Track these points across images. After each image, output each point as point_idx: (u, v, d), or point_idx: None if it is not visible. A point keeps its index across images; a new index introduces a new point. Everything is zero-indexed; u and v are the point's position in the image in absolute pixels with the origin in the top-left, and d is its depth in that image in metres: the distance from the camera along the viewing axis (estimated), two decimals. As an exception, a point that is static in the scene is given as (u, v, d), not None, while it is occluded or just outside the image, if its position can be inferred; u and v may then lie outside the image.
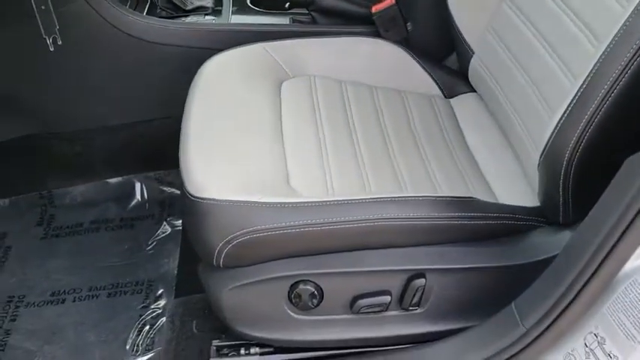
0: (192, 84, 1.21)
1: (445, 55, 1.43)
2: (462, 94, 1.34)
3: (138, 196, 1.56)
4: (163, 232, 1.50)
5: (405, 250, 0.96)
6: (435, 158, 1.14)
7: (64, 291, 1.38)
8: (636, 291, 0.73)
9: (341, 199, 0.95)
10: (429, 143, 1.18)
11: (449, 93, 1.34)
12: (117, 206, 1.55)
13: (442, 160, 1.14)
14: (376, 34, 1.40)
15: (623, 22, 0.84)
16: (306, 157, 1.07)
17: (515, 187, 1.08)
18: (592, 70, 0.86)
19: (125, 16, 1.33)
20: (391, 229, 0.94)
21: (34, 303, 1.36)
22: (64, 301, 1.36)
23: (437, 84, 1.34)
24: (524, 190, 1.06)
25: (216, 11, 1.53)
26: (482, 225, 0.97)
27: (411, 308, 0.97)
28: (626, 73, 0.82)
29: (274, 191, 0.95)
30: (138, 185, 1.56)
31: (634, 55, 0.81)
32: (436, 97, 1.33)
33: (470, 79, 1.31)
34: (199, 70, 1.24)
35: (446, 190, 1.05)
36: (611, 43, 0.85)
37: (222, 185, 0.95)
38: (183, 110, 1.15)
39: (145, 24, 1.35)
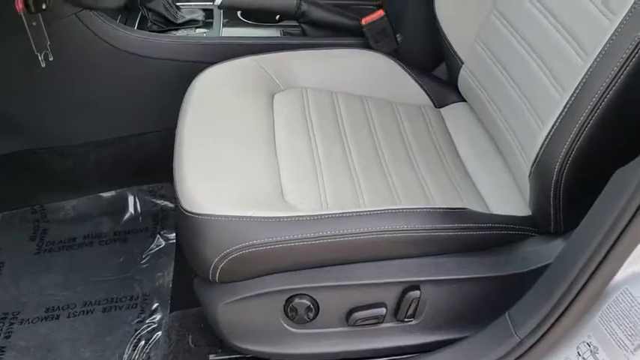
0: (185, 98, 1.22)
1: (435, 65, 1.44)
2: (452, 103, 1.35)
3: (131, 210, 1.56)
4: (157, 246, 1.49)
5: (399, 262, 0.96)
6: (427, 169, 1.15)
7: (59, 307, 1.37)
8: (627, 300, 0.75)
9: (335, 212, 0.95)
10: (420, 153, 1.19)
11: (439, 102, 1.36)
12: (110, 220, 1.55)
13: (434, 170, 1.15)
14: (366, 46, 1.41)
15: (610, 35, 0.85)
16: (299, 170, 1.08)
17: (506, 196, 1.09)
18: (580, 82, 0.88)
19: (116, 31, 1.33)
20: (385, 242, 0.95)
21: (28, 319, 1.35)
22: (58, 317, 1.36)
23: (427, 94, 1.36)
24: (516, 200, 1.07)
25: (207, 24, 1.53)
26: (475, 235, 0.98)
27: (406, 320, 0.98)
28: (614, 85, 0.83)
29: (269, 205, 0.96)
30: (131, 199, 1.56)
31: (621, 68, 0.82)
32: (427, 107, 1.34)
33: (460, 89, 1.32)
34: (191, 84, 1.25)
35: (439, 201, 1.06)
36: (598, 56, 0.86)
37: (216, 200, 0.95)
38: (175, 123, 1.15)
39: (135, 38, 1.35)
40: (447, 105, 1.36)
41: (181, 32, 1.45)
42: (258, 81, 1.27)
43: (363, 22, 1.39)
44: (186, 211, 0.95)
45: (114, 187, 1.54)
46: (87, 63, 1.35)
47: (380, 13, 1.39)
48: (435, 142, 1.24)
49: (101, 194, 1.55)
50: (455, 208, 0.99)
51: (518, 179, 1.07)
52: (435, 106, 1.36)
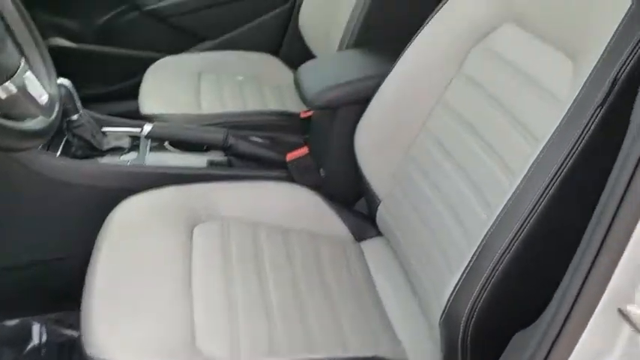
0: (102, 229, 1.20)
1: (356, 199, 1.49)
2: (372, 237, 1.39)
3: (35, 340, 1.46)
4: (62, 380, 1.40)
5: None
6: (345, 308, 1.15)
7: None
8: None
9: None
10: (339, 292, 1.19)
11: (359, 237, 1.39)
12: (11, 351, 1.44)
13: (352, 310, 1.15)
14: (291, 179, 1.45)
15: (510, 194, 0.91)
16: (214, 311, 1.06)
17: (421, 340, 1.10)
18: (485, 236, 0.92)
19: (38, 157, 1.31)
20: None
21: None
22: None
23: (348, 228, 1.39)
24: (431, 344, 1.08)
25: (133, 148, 1.53)
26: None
27: None
28: (515, 242, 0.88)
29: (177, 354, 0.92)
30: (36, 327, 1.46)
31: (521, 227, 0.87)
32: (347, 241, 1.37)
33: (378, 225, 1.36)
34: (110, 214, 1.23)
35: (354, 346, 1.06)
36: (500, 213, 0.91)
37: (120, 346, 0.93)
38: (89, 251, 1.13)
39: (57, 164, 1.34)
40: (367, 239, 1.39)
41: (106, 159, 1.45)
42: (179, 212, 1.26)
43: (288, 157, 1.44)
44: (88, 355, 0.91)
45: (18, 315, 1.46)
46: (5, 187, 1.31)
47: (304, 150, 1.45)
48: (354, 279, 1.25)
49: (4, 322, 1.45)
50: (366, 358, 0.99)
51: (432, 324, 1.08)
52: (356, 240, 1.39)
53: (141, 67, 1.99)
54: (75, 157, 1.41)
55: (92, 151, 1.43)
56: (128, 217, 1.23)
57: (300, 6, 2.14)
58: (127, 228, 1.20)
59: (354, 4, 1.66)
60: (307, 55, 1.97)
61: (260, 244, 1.27)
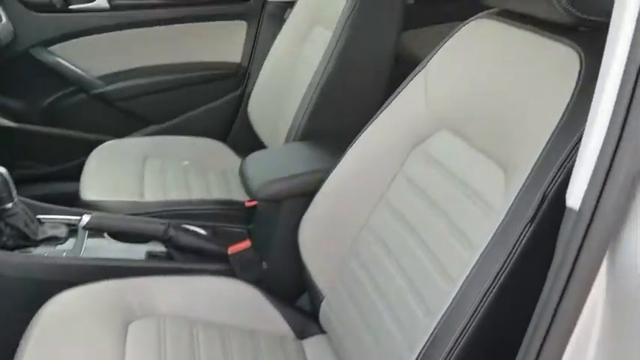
0: (31, 324, 1.14)
1: (299, 294, 1.47)
2: (314, 335, 1.36)
3: None
4: None
5: None
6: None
7: None
8: None
9: None
10: (278, 394, 1.16)
11: (300, 334, 1.36)
12: None
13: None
14: (232, 273, 1.42)
15: (450, 301, 0.90)
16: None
17: None
18: (426, 343, 0.91)
19: (-37, 247, 1.25)
20: None
21: None
22: None
23: (289, 325, 1.36)
24: None
25: (70, 235, 1.48)
26: None
27: None
28: (455, 350, 0.87)
29: None
30: None
31: (461, 334, 0.87)
32: (288, 339, 1.34)
33: (320, 322, 1.34)
34: (40, 309, 1.17)
35: None
36: (444, 315, 0.90)
37: None
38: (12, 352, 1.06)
39: (-16, 254, 1.28)
40: (309, 337, 1.36)
41: (40, 249, 1.39)
42: (113, 309, 1.21)
43: (230, 251, 1.42)
44: None
45: None
46: None
47: (247, 243, 1.43)
48: (294, 379, 1.22)
49: None
50: None
51: None
52: (297, 338, 1.36)
53: (85, 148, 1.97)
54: (5, 247, 1.35)
55: (25, 240, 1.37)
56: (59, 312, 1.17)
57: (250, 94, 2.18)
58: (57, 324, 1.14)
59: (301, 98, 1.71)
60: (255, 142, 2.00)
61: (197, 342, 1.22)
